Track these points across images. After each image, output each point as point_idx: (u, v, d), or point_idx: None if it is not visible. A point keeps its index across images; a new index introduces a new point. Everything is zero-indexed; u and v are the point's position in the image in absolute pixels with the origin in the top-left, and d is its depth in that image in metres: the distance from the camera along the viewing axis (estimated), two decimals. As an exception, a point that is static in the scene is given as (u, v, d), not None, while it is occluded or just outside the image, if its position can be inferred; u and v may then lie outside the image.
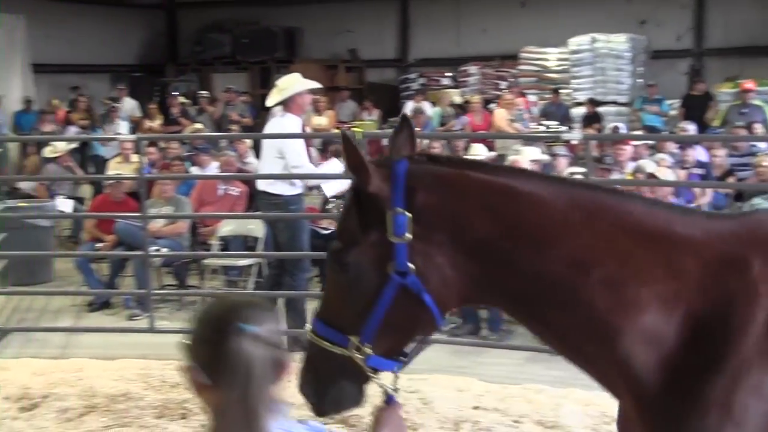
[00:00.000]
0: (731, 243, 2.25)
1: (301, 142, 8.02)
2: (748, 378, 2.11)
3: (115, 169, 12.25)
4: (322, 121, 16.11)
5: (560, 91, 16.85)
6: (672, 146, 10.80)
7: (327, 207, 10.03)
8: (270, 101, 8.33)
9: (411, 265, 2.27)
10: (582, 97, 17.02)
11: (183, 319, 8.80)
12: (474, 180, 2.31)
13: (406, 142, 2.45)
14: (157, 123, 16.41)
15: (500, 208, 2.28)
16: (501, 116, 14.77)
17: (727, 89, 16.04)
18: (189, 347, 2.06)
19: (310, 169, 8.06)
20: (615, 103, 17.16)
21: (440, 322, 2.34)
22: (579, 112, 16.33)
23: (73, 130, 16.09)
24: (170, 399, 6.08)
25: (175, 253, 9.19)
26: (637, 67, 17.54)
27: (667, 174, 9.44)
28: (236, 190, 10.19)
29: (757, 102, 13.85)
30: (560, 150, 10.35)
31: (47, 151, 13.06)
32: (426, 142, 11.56)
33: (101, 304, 9.27)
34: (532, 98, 17.09)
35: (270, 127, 8.32)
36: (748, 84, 14.09)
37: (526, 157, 10.13)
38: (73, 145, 13.33)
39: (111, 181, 9.96)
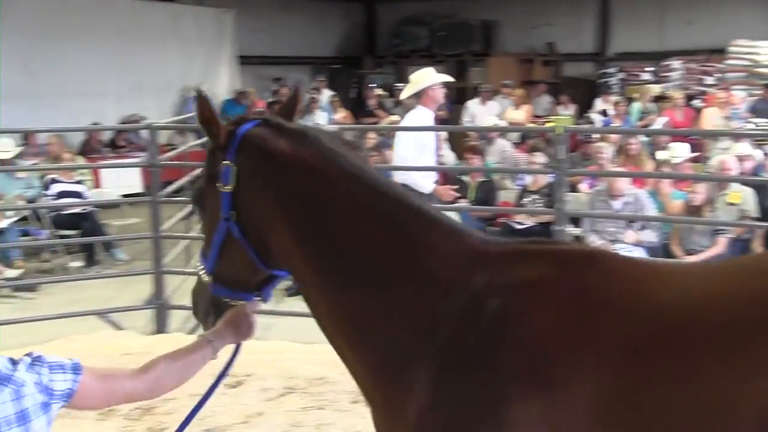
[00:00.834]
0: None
1: (414, 135, 8.02)
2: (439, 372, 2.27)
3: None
4: (518, 115, 15.95)
5: (772, 86, 15.92)
6: None
7: (522, 201, 9.92)
8: (403, 94, 8.50)
9: (233, 212, 2.59)
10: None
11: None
12: (285, 149, 2.53)
13: (289, 109, 2.75)
14: (340, 115, 16.73)
15: (294, 177, 2.51)
16: (712, 116, 14.05)
17: None
18: None
19: (410, 163, 8.00)
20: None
21: (262, 266, 2.65)
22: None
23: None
24: (365, 385, 6.16)
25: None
26: None
27: None
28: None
29: None
30: (772, 149, 9.79)
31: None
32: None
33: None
34: (741, 94, 16.24)
35: (404, 121, 8.45)
36: None
37: (735, 153, 9.66)
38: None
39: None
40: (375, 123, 15.58)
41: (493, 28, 21.73)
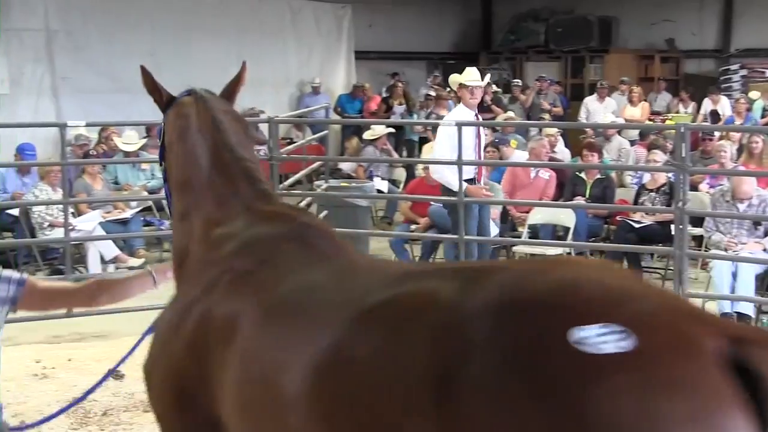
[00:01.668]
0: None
1: (447, 133, 8.12)
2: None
3: (429, 153, 12.63)
4: (635, 112, 15.62)
5: None
6: None
7: (640, 200, 9.72)
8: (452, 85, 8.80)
9: (162, 162, 3.34)
10: None
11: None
12: (185, 110, 3.25)
13: (231, 85, 3.53)
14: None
15: (180, 128, 3.22)
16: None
17: None
18: None
19: (443, 158, 8.17)
20: None
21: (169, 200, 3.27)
22: None
23: (399, 111, 16.81)
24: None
25: (485, 238, 9.28)
26: None
27: None
28: (547, 174, 10.14)
29: None
30: None
31: (367, 134, 13.70)
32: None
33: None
34: None
35: (444, 119, 8.71)
36: None
37: None
38: (390, 130, 13.86)
39: (426, 165, 10.25)
40: (491, 119, 15.49)
41: (611, 24, 21.31)
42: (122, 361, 3.84)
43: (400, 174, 13.55)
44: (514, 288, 1.99)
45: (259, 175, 3.10)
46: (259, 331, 2.47)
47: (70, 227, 8.62)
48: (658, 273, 9.72)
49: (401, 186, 12.92)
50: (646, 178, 10.08)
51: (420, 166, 11.68)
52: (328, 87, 18.40)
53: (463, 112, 8.35)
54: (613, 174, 10.63)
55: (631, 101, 16.07)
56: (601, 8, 21.29)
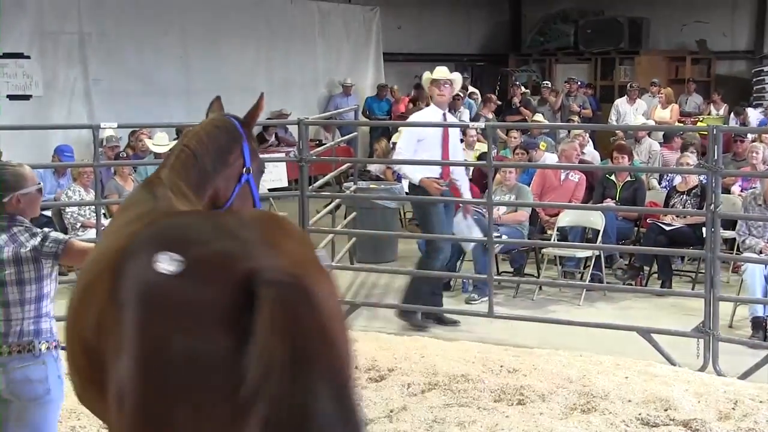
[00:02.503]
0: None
1: (411, 131, 8.18)
2: None
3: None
4: (664, 114, 15.53)
5: None
6: None
7: (671, 202, 9.66)
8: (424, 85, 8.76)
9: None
10: None
11: (519, 306, 8.90)
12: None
13: (252, 111, 3.66)
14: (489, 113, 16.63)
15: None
16: None
17: None
18: None
19: (405, 157, 8.21)
20: None
21: None
22: None
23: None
24: (508, 384, 6.13)
25: (517, 240, 9.28)
26: None
27: None
28: (576, 176, 10.11)
29: None
30: None
31: (395, 137, 13.70)
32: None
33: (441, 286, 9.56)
34: None
35: (411, 118, 8.75)
36: None
37: None
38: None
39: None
40: (521, 121, 15.46)
41: (642, 25, 21.18)
42: None
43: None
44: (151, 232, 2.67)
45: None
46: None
47: (102, 228, 8.69)
48: (689, 276, 9.66)
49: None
50: (677, 180, 10.02)
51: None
52: (357, 89, 18.44)
53: (431, 111, 8.33)
54: (643, 176, 10.57)
55: (660, 103, 15.97)
56: (632, 9, 21.17)
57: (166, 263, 2.41)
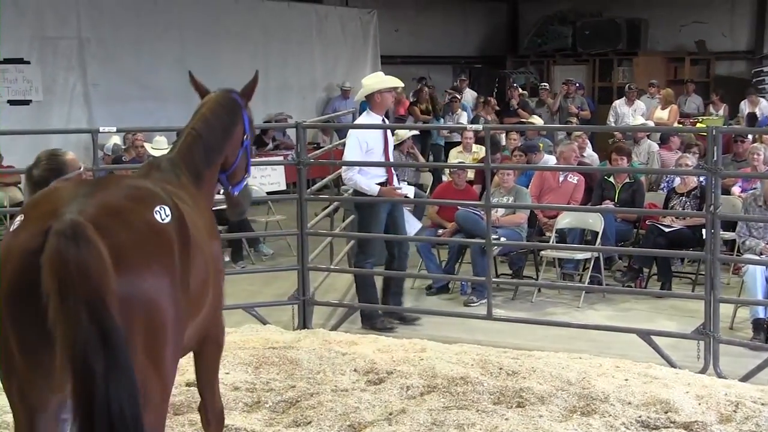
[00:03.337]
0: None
1: (357, 139, 8.13)
2: None
3: (455, 158, 12.61)
4: (663, 115, 15.51)
5: None
6: None
7: (670, 204, 9.64)
8: (356, 98, 8.91)
9: None
10: None
11: (518, 308, 8.88)
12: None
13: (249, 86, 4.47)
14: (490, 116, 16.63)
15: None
16: None
17: None
18: None
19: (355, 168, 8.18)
20: None
21: None
22: None
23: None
24: (507, 386, 6.11)
25: (515, 242, 9.26)
26: None
27: None
28: (575, 178, 10.09)
29: None
30: None
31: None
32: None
33: (439, 289, 9.56)
34: None
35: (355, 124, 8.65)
36: None
37: None
38: (413, 133, 13.79)
39: (453, 169, 10.24)
40: (518, 123, 15.45)
41: (640, 26, 21.19)
42: None
43: (427, 178, 13.52)
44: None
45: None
46: None
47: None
48: (689, 278, 9.64)
49: (428, 190, 12.89)
50: (677, 182, 10.00)
51: (446, 171, 11.66)
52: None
53: (375, 118, 8.31)
54: (642, 178, 10.55)
55: (665, 102, 15.93)
56: (630, 11, 21.19)
57: (16, 222, 3.11)
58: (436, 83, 20.24)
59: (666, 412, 5.68)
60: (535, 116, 15.95)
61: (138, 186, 3.26)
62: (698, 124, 15.06)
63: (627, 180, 9.98)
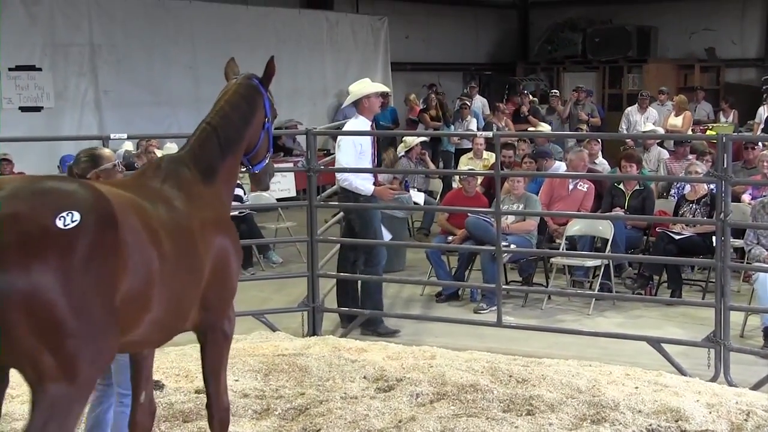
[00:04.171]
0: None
1: (353, 142, 8.20)
2: None
3: (466, 164, 12.62)
4: (677, 122, 15.48)
5: None
6: None
7: (680, 211, 9.62)
8: (344, 104, 9.00)
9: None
10: None
11: (528, 315, 8.87)
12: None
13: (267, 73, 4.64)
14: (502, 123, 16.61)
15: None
16: None
17: None
18: None
19: (348, 165, 8.22)
20: None
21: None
22: None
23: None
24: (517, 394, 6.10)
25: (525, 249, 9.25)
26: None
27: None
28: (585, 186, 10.08)
29: None
30: None
31: (400, 147, 13.69)
32: None
33: (448, 296, 9.55)
34: None
35: (348, 127, 8.73)
36: None
37: None
38: (422, 139, 13.80)
39: (463, 176, 10.24)
40: (528, 130, 15.43)
41: (650, 33, 21.18)
42: None
43: (437, 185, 13.54)
44: None
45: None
46: None
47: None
48: (699, 285, 9.61)
49: (438, 197, 12.91)
50: (687, 189, 9.97)
51: (456, 177, 11.65)
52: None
53: (364, 122, 8.38)
54: (652, 185, 10.54)
55: (677, 110, 15.90)
56: (640, 18, 21.19)
57: None
58: (446, 90, 20.26)
59: (676, 421, 5.67)
60: (543, 123, 15.95)
61: (51, 190, 3.41)
62: (708, 132, 15.02)
63: (637, 187, 9.95)
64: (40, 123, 14.01)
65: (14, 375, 5.58)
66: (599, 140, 12.13)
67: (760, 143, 11.45)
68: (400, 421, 5.69)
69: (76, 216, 3.31)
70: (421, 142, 13.39)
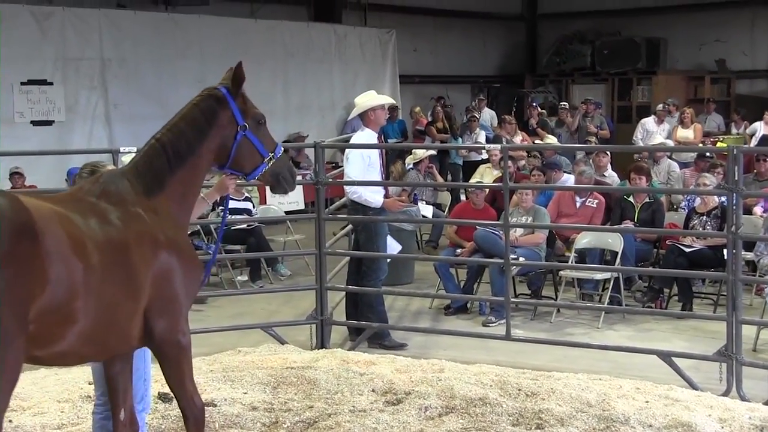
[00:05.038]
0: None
1: (361, 154, 8.23)
2: None
3: (482, 174, 12.61)
4: (688, 134, 15.41)
5: None
6: None
7: (690, 224, 9.57)
8: (350, 117, 9.12)
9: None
10: None
11: (537, 328, 8.83)
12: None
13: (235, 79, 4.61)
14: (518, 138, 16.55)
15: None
16: None
17: None
18: None
19: (358, 178, 8.21)
20: None
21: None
22: None
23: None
24: (526, 408, 6.06)
25: (534, 262, 9.22)
26: None
27: None
28: (594, 201, 10.04)
29: None
30: None
31: (408, 159, 13.68)
32: None
33: (457, 309, 9.52)
34: None
35: (355, 139, 8.75)
36: None
37: None
38: (431, 152, 13.79)
39: (471, 189, 10.23)
40: (535, 142, 15.41)
41: (659, 45, 21.16)
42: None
43: (445, 197, 13.52)
44: None
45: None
46: None
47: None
48: (710, 298, 9.56)
49: (446, 210, 12.89)
50: (697, 201, 9.92)
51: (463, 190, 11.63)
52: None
53: (371, 135, 8.37)
54: (662, 197, 10.49)
55: (682, 122, 15.85)
56: (649, 29, 21.17)
57: None
58: (454, 102, 20.28)
59: (687, 435, 5.62)
60: (550, 136, 15.93)
61: None
62: (719, 143, 14.96)
63: (647, 200, 9.92)
64: (51, 136, 14.08)
65: (26, 386, 5.58)
66: (608, 152, 12.08)
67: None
68: (408, 436, 5.66)
69: None
70: (429, 155, 13.38)
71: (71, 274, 3.61)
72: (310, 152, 15.14)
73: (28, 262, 3.44)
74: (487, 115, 18.38)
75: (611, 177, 11.81)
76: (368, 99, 8.43)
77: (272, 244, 11.51)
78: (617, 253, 9.25)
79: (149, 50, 15.45)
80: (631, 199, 10.03)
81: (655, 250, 10.10)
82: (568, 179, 10.98)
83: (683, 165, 12.81)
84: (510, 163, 11.67)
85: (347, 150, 8.59)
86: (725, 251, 7.49)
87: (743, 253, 7.62)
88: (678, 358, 7.11)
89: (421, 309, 9.71)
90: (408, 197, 12.58)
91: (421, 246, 12.59)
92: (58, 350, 3.72)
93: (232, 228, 10.88)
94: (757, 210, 10.16)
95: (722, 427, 5.76)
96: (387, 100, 8.73)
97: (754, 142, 15.37)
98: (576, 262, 9.38)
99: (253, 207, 11.65)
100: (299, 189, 13.96)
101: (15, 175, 11.67)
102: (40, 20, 14.10)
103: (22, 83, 13.94)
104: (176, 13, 16.13)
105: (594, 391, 6.41)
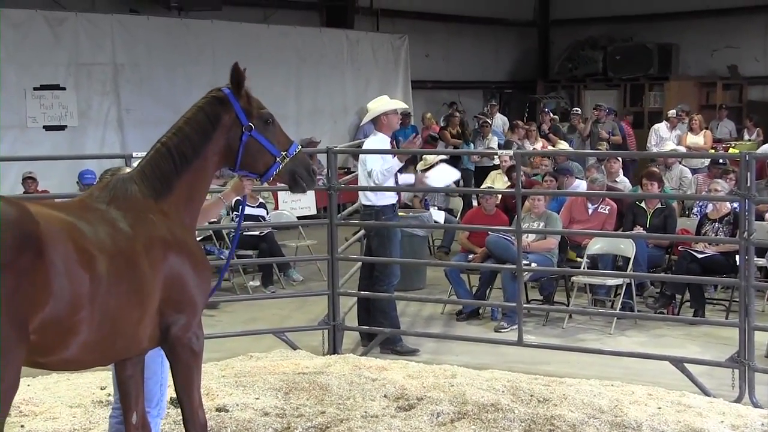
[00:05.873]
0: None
1: (380, 157, 8.23)
2: None
3: (494, 179, 12.61)
4: (697, 140, 15.39)
5: None
6: None
7: (703, 230, 9.55)
8: (363, 122, 8.77)
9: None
10: None
11: (549, 334, 8.82)
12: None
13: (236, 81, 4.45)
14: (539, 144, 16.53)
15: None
16: None
17: None
18: None
19: (381, 179, 8.18)
20: None
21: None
22: None
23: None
24: (538, 414, 6.06)
25: (546, 268, 9.21)
26: None
27: None
28: (606, 208, 10.03)
29: None
30: None
31: (419, 165, 13.68)
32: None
33: (469, 314, 9.52)
34: None
35: (364, 146, 8.81)
36: None
37: None
38: (441, 157, 13.77)
39: (482, 195, 10.23)
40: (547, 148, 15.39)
41: (671, 51, 21.13)
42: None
43: (457, 203, 13.52)
44: None
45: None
46: None
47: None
48: (723, 304, 9.53)
49: (458, 215, 12.89)
50: (709, 208, 9.90)
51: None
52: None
53: (381, 140, 8.41)
54: (674, 203, 10.48)
55: (691, 129, 15.83)
56: (661, 35, 21.15)
57: None
58: (466, 108, 20.28)
59: (700, 442, 5.61)
60: (562, 142, 15.92)
61: None
62: (731, 150, 14.93)
63: (659, 205, 9.91)
64: (64, 141, 14.14)
65: (38, 391, 5.63)
66: (619, 158, 12.07)
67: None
68: (420, 441, 5.66)
69: None
70: (440, 160, 13.35)
71: (76, 286, 3.60)
72: (322, 158, 15.18)
73: (30, 274, 3.42)
74: (499, 120, 18.38)
75: (623, 183, 11.80)
76: (381, 104, 8.46)
77: (284, 250, 11.53)
78: (629, 258, 9.24)
79: (162, 55, 15.51)
80: (643, 204, 10.01)
81: (668, 256, 10.08)
82: (580, 185, 10.97)
83: (693, 171, 12.79)
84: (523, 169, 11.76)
85: (367, 156, 8.57)
86: (737, 257, 7.49)
87: (756, 259, 7.61)
88: (690, 365, 7.10)
89: (433, 314, 9.71)
90: (420, 203, 12.61)
91: (433, 252, 12.60)
92: (62, 358, 3.75)
93: (245, 233, 10.90)
94: (770, 216, 10.13)
95: (735, 434, 5.75)
96: (400, 105, 8.78)
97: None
98: (588, 268, 9.37)
99: (267, 213, 11.67)
100: (311, 194, 13.97)
101: (28, 180, 11.72)
102: (53, 25, 14.18)
103: (35, 88, 14.01)
104: (189, 18, 16.18)
105: (606, 397, 6.40)
